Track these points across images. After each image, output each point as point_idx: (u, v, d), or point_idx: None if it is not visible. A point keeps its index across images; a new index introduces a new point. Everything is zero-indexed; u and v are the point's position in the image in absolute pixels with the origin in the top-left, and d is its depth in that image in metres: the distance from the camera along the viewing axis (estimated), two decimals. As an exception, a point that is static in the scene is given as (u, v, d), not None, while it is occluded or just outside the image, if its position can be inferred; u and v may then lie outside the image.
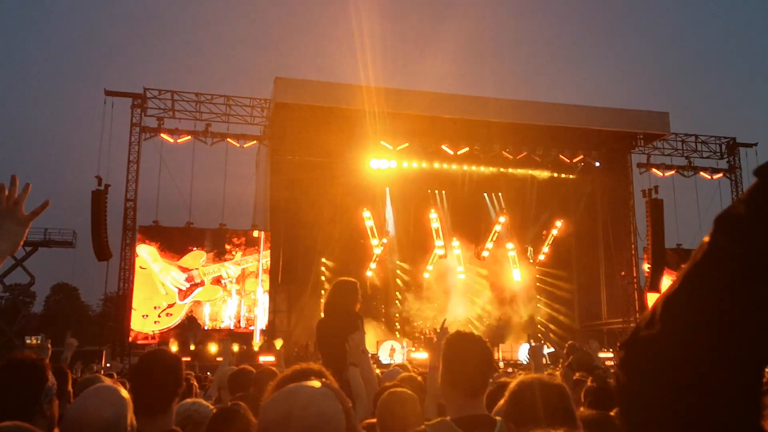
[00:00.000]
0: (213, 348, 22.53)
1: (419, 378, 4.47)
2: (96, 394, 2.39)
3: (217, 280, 24.62)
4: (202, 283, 24.61)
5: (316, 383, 1.53)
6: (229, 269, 24.95)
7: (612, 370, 5.40)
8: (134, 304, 23.57)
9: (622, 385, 0.75)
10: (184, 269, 24.49)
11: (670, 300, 0.73)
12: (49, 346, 5.94)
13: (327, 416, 1.41)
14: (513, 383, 2.42)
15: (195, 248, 24.66)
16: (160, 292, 24.10)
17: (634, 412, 0.73)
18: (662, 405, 0.70)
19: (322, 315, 5.64)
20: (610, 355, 19.34)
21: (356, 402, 3.56)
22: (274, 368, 5.28)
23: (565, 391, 2.32)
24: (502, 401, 2.47)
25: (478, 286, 28.22)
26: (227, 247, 24.79)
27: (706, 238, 0.72)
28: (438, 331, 4.83)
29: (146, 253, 24.04)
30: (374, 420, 3.27)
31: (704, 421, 0.68)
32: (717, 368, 0.68)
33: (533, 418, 2.19)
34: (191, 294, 24.26)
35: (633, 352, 0.75)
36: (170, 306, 24.00)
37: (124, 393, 2.43)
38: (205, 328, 24.01)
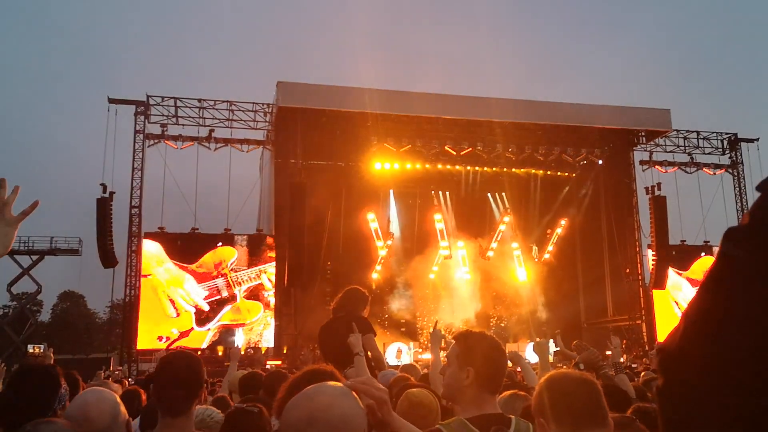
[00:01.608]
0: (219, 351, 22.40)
1: (412, 379, 4.54)
2: (94, 394, 2.49)
3: (256, 293, 22.20)
4: (232, 298, 21.51)
5: (335, 383, 1.55)
6: (272, 275, 22.44)
7: (626, 369, 5.46)
8: (138, 328, 21.66)
9: (658, 389, 0.82)
10: (202, 276, 21.72)
11: (691, 310, 0.81)
12: (51, 354, 6.04)
13: (349, 417, 1.42)
14: (543, 378, 2.39)
15: (221, 244, 22.14)
16: (167, 312, 21.11)
17: (672, 410, 0.80)
18: (695, 407, 0.76)
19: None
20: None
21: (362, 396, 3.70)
22: (284, 371, 5.36)
23: (597, 387, 2.29)
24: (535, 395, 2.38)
25: (484, 285, 28.21)
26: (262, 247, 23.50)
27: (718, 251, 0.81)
28: (431, 331, 4.92)
29: (151, 252, 22.80)
30: None
31: (738, 418, 0.73)
32: (741, 367, 0.74)
33: (568, 414, 2.19)
34: (216, 316, 21.13)
35: (663, 358, 0.82)
36: (184, 335, 20.75)
37: (115, 394, 2.53)
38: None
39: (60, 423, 2.30)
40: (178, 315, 21.07)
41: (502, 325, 27.89)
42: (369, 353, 4.99)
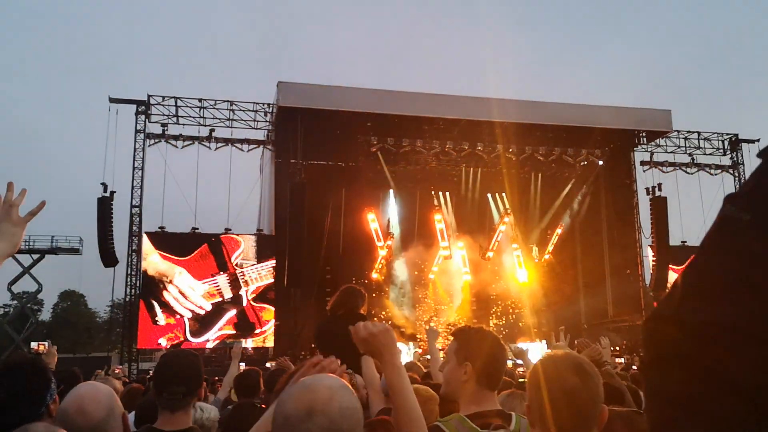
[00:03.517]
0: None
1: (417, 377, 4.54)
2: (89, 387, 2.50)
3: (265, 295, 21.28)
4: (236, 300, 20.12)
5: (333, 377, 1.53)
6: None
7: (618, 369, 5.45)
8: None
9: (646, 363, 0.76)
10: (199, 270, 20.56)
11: (688, 271, 0.76)
12: (55, 351, 6.04)
13: (349, 410, 1.40)
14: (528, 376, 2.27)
15: (230, 231, 20.91)
16: (155, 319, 19.85)
17: (665, 384, 0.73)
18: (689, 372, 0.71)
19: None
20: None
21: (370, 390, 3.75)
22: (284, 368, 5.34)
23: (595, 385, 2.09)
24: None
25: (484, 286, 28.21)
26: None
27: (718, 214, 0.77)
28: (427, 329, 4.92)
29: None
30: (389, 406, 3.35)
31: (728, 383, 0.68)
32: (739, 329, 0.69)
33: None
34: (218, 323, 19.71)
35: (656, 326, 0.76)
36: (175, 344, 19.04)
37: (111, 388, 2.53)
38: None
39: (46, 424, 2.29)
40: (166, 322, 19.57)
41: (502, 325, 27.86)
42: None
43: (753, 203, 0.73)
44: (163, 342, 21.04)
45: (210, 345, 21.00)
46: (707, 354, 0.69)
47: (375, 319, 24.53)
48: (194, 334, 20.31)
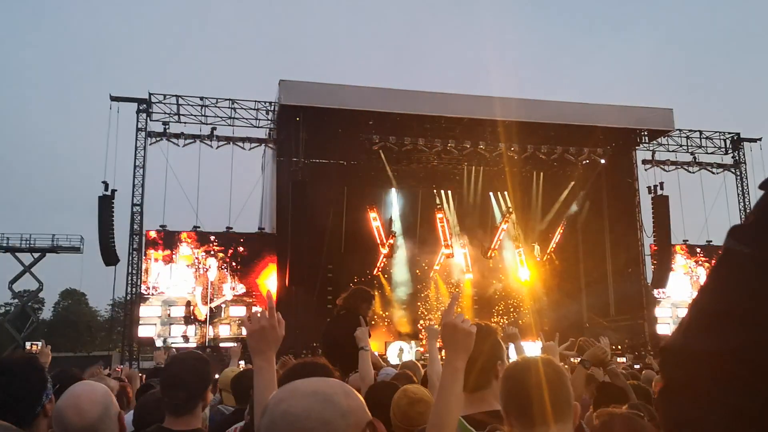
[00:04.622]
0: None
1: (414, 378, 4.52)
2: (84, 386, 2.46)
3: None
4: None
5: (323, 380, 1.43)
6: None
7: (621, 369, 5.41)
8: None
9: (661, 388, 0.80)
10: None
11: (695, 303, 0.80)
12: (49, 351, 6.02)
13: (293, 416, 1.31)
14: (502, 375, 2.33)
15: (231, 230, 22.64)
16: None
17: (675, 410, 0.77)
18: (697, 401, 0.74)
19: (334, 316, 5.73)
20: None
21: (361, 385, 3.83)
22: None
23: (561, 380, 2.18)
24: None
25: (485, 284, 28.19)
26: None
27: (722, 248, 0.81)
28: (426, 327, 4.92)
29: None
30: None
31: (742, 417, 0.71)
32: (742, 359, 0.72)
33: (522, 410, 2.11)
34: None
35: (666, 356, 0.81)
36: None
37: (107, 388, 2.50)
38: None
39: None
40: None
41: (504, 324, 27.83)
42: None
43: (754, 237, 0.77)
44: (159, 343, 21.76)
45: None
46: (712, 382, 0.73)
47: (375, 318, 24.55)
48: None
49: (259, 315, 2.29)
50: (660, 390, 0.80)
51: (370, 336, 5.41)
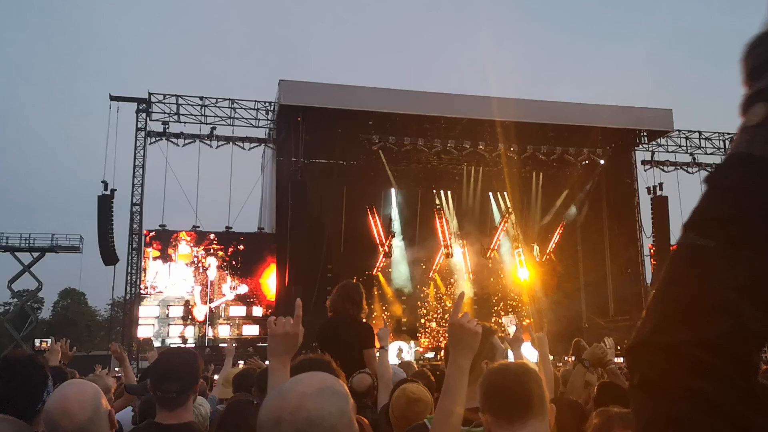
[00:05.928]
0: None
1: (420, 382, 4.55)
2: (73, 387, 2.45)
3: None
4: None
5: (315, 377, 1.47)
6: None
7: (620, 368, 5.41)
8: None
9: (633, 387, 0.82)
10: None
11: (659, 302, 0.83)
12: (59, 348, 5.99)
13: (319, 418, 1.35)
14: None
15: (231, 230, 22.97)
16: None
17: (649, 407, 0.79)
18: (671, 394, 0.76)
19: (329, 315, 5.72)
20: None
21: (380, 384, 3.92)
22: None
23: (533, 378, 2.28)
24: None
25: (485, 284, 28.19)
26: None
27: (678, 242, 0.84)
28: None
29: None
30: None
31: (716, 407, 0.74)
32: (720, 354, 0.75)
33: (500, 406, 2.20)
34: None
35: (639, 353, 0.82)
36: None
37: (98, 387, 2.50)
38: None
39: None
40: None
41: (503, 324, 27.81)
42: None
43: (716, 230, 0.80)
44: (157, 343, 21.71)
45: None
46: (687, 374, 0.76)
47: (375, 317, 24.56)
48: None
49: (284, 321, 2.40)
50: (632, 389, 0.82)
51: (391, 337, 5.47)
